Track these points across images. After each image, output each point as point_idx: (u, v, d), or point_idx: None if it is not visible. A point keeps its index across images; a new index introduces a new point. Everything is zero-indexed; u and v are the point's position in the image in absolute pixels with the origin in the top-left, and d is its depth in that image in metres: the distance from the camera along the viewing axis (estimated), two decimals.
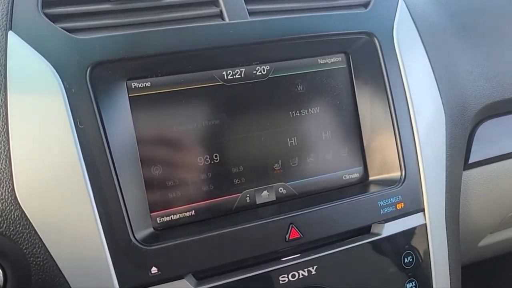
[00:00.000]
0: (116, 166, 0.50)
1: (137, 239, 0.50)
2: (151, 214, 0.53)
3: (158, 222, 0.54)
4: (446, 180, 0.63)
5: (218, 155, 0.56)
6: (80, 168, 0.48)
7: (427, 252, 0.61)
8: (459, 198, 0.67)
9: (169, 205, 0.54)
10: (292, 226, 0.54)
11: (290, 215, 0.54)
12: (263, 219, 0.54)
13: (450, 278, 0.63)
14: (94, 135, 0.49)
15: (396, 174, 0.61)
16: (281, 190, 0.59)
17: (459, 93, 0.69)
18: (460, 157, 0.68)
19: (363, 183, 0.62)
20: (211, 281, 0.52)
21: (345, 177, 0.62)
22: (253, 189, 0.58)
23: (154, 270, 0.49)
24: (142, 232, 0.51)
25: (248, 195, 0.58)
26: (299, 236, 0.54)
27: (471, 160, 0.71)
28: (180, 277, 0.51)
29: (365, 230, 0.59)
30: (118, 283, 0.49)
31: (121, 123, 0.52)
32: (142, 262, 0.49)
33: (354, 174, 0.62)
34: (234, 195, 0.57)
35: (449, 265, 0.63)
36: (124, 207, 0.50)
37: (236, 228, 0.52)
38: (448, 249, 0.63)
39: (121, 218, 0.49)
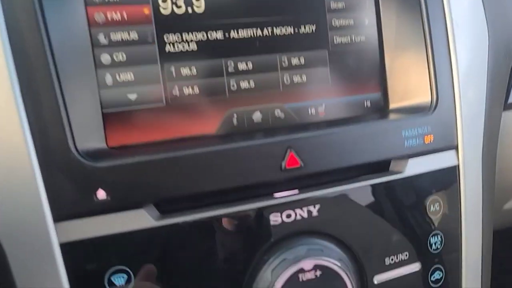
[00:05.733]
0: (56, 58, 0.37)
1: (79, 151, 0.37)
2: (107, 129, 0.40)
3: (115, 140, 0.41)
4: (485, 116, 0.50)
5: (197, 61, 0.43)
6: (3, 51, 0.35)
7: (457, 201, 0.48)
8: (497, 140, 0.54)
9: (132, 120, 0.41)
10: (290, 151, 0.41)
11: (289, 137, 0.41)
12: (252, 140, 0.41)
13: (482, 235, 0.50)
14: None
15: (424, 100, 0.48)
16: (277, 113, 0.46)
17: (506, 21, 0.56)
18: (501, 93, 0.55)
19: (381, 112, 0.49)
20: (178, 215, 0.39)
21: (359, 103, 0.49)
22: (242, 108, 0.45)
23: (101, 194, 0.37)
24: (89, 145, 0.38)
25: (235, 116, 0.45)
26: (299, 165, 0.41)
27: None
28: (137, 206, 0.38)
29: (383, 167, 0.46)
30: (50, 208, 0.36)
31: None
32: (85, 182, 0.36)
33: (370, 100, 0.49)
34: (216, 114, 0.44)
35: (482, 220, 0.50)
36: (64, 109, 0.37)
37: (215, 149, 0.40)
38: (482, 199, 0.50)
39: (57, 122, 0.36)
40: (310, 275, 0.41)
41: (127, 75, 0.41)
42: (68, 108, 0.37)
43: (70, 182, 0.36)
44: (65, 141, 0.36)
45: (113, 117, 0.41)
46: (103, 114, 0.41)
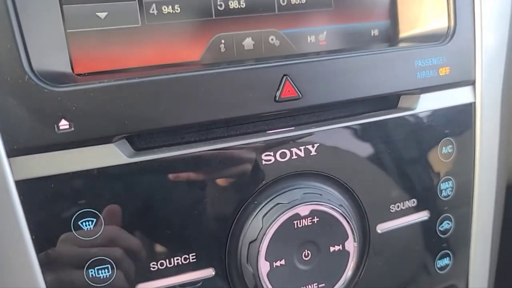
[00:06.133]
0: None
1: (36, 73, 0.31)
2: (73, 52, 0.34)
3: (83, 65, 0.35)
4: (507, 49, 0.44)
5: None
6: None
7: (471, 143, 0.43)
8: None
9: (102, 43, 0.35)
10: (286, 79, 0.35)
11: (285, 62, 0.36)
12: (241, 65, 0.35)
13: (496, 183, 0.46)
14: None
15: (440, 27, 0.42)
16: (272, 40, 0.40)
17: None
18: None
19: (391, 41, 0.43)
20: (154, 152, 0.34)
21: (365, 31, 0.43)
22: (231, 32, 0.38)
23: (63, 124, 0.31)
24: (49, 67, 0.32)
25: (222, 41, 0.38)
26: (296, 95, 0.36)
27: None
28: (106, 140, 0.32)
29: (391, 103, 0.41)
30: (2, 140, 0.30)
31: None
32: (44, 110, 0.31)
33: (378, 28, 0.43)
34: (201, 39, 0.38)
35: (498, 166, 0.45)
36: (16, 22, 0.31)
37: (198, 74, 0.34)
38: (499, 144, 0.45)
39: (8, 36, 0.30)
40: (306, 222, 0.36)
41: None
42: (21, 22, 0.31)
43: (26, 109, 0.30)
44: (17, 60, 0.30)
45: (79, 38, 0.35)
46: (67, 34, 0.34)
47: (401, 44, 0.43)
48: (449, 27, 0.41)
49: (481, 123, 0.43)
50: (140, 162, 0.33)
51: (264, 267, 0.35)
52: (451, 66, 0.41)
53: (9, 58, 0.30)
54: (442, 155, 0.42)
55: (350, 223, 0.37)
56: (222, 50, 0.39)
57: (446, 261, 0.44)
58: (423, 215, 0.42)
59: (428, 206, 0.42)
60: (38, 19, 0.33)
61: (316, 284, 0.37)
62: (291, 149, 0.37)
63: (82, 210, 0.32)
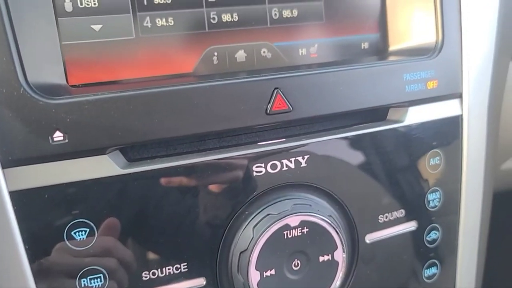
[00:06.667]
0: None
1: (32, 85, 0.31)
2: (68, 64, 0.35)
3: (77, 77, 0.35)
4: (493, 62, 0.45)
5: None
6: None
7: (459, 154, 0.44)
8: (503, 89, 0.49)
9: (97, 55, 0.36)
10: (277, 92, 0.36)
11: (276, 76, 0.36)
12: (233, 79, 0.36)
13: (483, 193, 0.46)
14: None
15: (428, 41, 0.43)
16: (264, 52, 0.41)
17: None
18: (511, 40, 0.50)
19: (380, 54, 0.44)
20: (148, 163, 0.34)
21: (355, 44, 0.44)
22: (224, 45, 0.39)
23: (58, 136, 0.31)
24: (44, 80, 0.33)
25: (215, 54, 0.39)
26: (287, 108, 0.36)
27: None
28: (99, 152, 0.33)
29: (380, 116, 0.42)
30: None
31: None
32: (39, 121, 0.31)
33: (368, 41, 0.44)
34: (194, 51, 0.39)
35: (484, 177, 0.46)
36: (12, 35, 0.31)
37: (191, 87, 0.34)
38: (486, 155, 0.46)
39: (4, 50, 0.30)
40: (296, 232, 0.37)
41: (90, 1, 0.35)
42: (17, 35, 0.31)
43: (21, 120, 0.31)
44: (13, 72, 0.31)
45: (74, 50, 0.35)
46: (62, 46, 0.35)
47: (390, 57, 0.44)
48: (437, 41, 0.42)
49: (468, 135, 0.44)
50: (134, 173, 0.34)
51: (254, 276, 0.36)
52: (439, 80, 0.41)
53: (4, 71, 0.31)
54: (429, 166, 0.43)
55: (339, 233, 0.38)
56: (215, 62, 0.39)
57: (433, 270, 0.45)
58: (411, 226, 0.43)
59: (416, 217, 0.43)
60: (34, 32, 0.33)
61: None
62: (282, 161, 0.37)
63: (76, 221, 0.33)
